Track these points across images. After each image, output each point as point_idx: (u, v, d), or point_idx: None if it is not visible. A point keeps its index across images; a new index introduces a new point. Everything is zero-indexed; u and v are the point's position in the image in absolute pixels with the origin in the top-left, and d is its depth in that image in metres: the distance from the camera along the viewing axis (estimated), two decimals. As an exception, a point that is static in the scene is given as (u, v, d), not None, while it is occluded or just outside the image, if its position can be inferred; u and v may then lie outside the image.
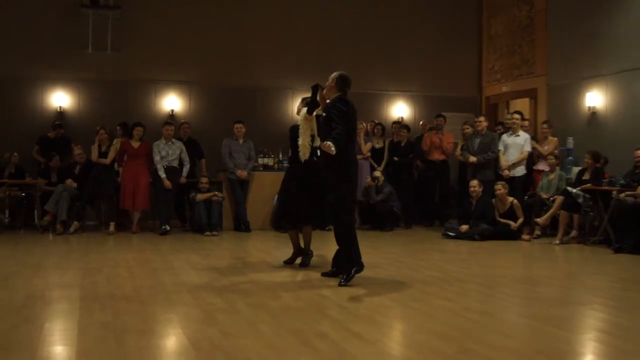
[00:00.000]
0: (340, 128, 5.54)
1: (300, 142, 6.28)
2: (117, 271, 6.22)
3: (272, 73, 11.50)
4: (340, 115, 5.62)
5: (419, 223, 11.00)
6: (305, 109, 6.23)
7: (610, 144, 9.46)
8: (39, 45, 10.45)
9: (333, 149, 5.32)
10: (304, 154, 6.27)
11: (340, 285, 5.51)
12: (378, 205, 10.06)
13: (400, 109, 12.27)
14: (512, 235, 9.00)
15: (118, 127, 10.10)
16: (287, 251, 6.87)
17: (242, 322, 4.26)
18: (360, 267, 5.67)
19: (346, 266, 5.66)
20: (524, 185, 9.79)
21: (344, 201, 5.75)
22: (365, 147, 10.50)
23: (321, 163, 5.94)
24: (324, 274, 6.01)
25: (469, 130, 10.24)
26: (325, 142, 5.36)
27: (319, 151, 6.22)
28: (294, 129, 6.46)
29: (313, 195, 6.25)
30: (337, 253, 5.93)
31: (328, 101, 5.90)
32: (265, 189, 10.02)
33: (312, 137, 6.28)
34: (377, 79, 11.97)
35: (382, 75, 12.11)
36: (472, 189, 9.25)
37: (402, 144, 10.78)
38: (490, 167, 9.72)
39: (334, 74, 5.88)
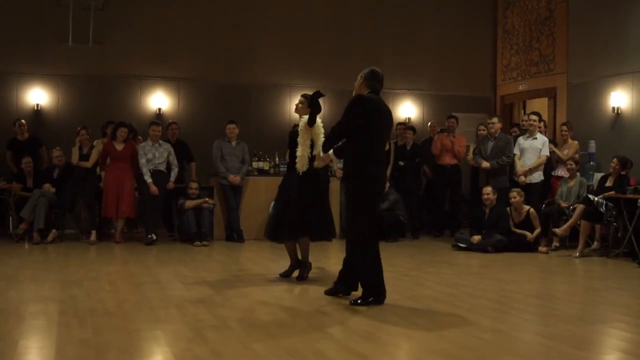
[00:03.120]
0: (337, 128, 5.41)
1: (298, 153, 6.33)
2: (98, 284, 6.26)
3: (269, 68, 11.54)
4: (345, 115, 5.40)
5: (427, 233, 11.03)
6: (305, 118, 6.27)
7: (636, 147, 9.51)
8: (13, 36, 10.47)
9: (332, 157, 5.30)
10: (301, 165, 6.31)
11: (350, 304, 5.37)
12: (382, 213, 10.07)
13: (407, 109, 12.32)
14: (528, 247, 9.03)
15: (108, 127, 9.77)
16: (284, 263, 6.92)
17: (234, 341, 4.29)
18: (380, 297, 5.42)
19: (365, 292, 5.43)
20: (541, 193, 9.83)
21: (367, 226, 5.42)
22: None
23: (343, 177, 5.77)
24: (327, 293, 5.79)
25: (484, 132, 10.27)
26: (316, 160, 5.33)
27: (317, 158, 6.24)
28: (293, 135, 6.49)
29: (312, 203, 6.31)
30: (344, 270, 5.73)
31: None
32: (260, 195, 10.04)
33: (312, 145, 6.32)
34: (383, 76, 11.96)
35: (388, 72, 11.73)
36: (485, 196, 9.27)
37: (408, 147, 10.81)
38: (504, 173, 9.74)
39: (364, 71, 5.67)
